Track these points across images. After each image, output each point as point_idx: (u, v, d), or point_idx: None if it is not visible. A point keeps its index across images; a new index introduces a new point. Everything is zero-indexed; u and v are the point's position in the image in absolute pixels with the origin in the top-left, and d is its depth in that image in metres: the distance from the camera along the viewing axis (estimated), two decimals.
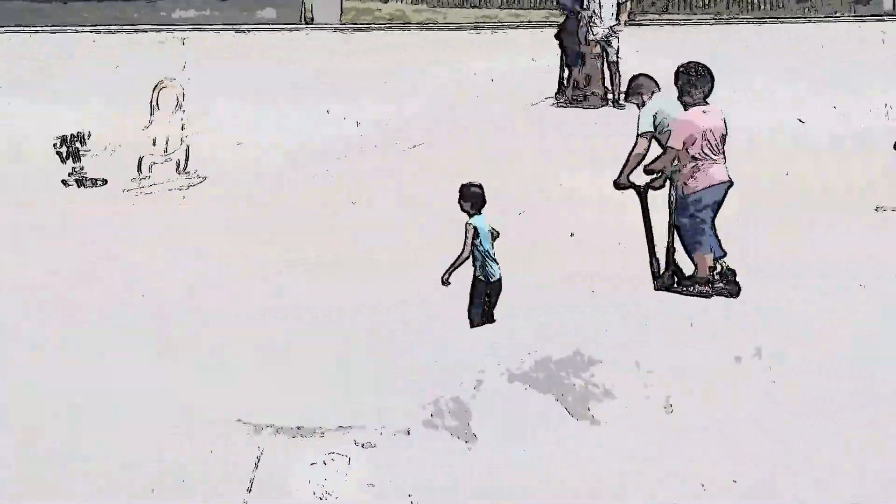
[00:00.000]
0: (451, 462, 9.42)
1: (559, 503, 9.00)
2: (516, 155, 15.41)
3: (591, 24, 18.09)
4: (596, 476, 9.27)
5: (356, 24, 21.71)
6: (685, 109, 10.91)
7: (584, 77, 17.98)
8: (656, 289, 11.29)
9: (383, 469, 9.39)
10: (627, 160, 10.81)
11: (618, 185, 11.09)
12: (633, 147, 10.96)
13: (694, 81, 10.51)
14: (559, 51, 18.48)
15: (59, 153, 14.62)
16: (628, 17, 18.06)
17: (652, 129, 11.04)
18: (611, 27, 17.88)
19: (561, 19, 18.25)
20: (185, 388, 10.71)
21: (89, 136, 14.70)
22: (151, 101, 15.21)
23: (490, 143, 16.10)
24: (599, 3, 17.00)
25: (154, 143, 14.99)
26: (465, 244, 10.37)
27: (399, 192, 14.87)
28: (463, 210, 10.38)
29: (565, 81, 18.24)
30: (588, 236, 12.61)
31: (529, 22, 21.88)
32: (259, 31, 20.52)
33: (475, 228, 10.39)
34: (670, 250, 11.26)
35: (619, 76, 17.58)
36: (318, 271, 13.02)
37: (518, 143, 15.85)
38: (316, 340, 11.28)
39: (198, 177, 14.82)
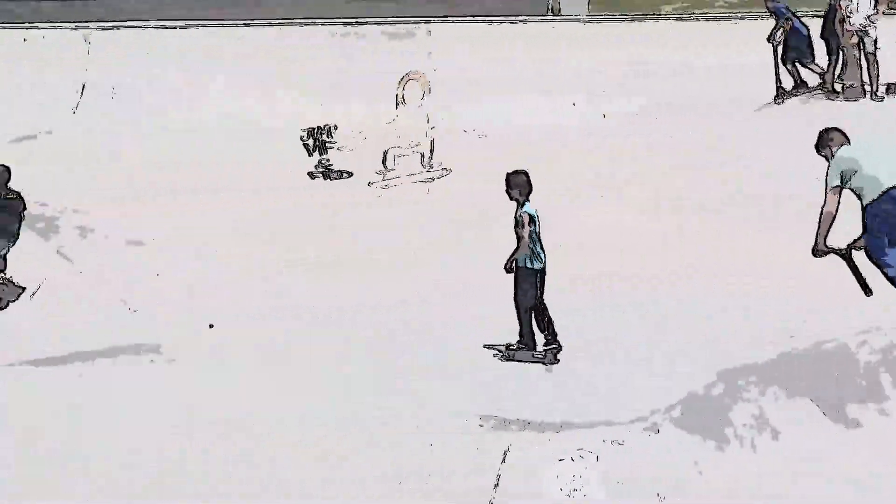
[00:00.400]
0: (701, 461, 9.23)
1: None
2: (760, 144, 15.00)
3: (849, 14, 17.37)
4: (854, 480, 8.85)
5: (604, 14, 21.46)
6: None
7: (839, 68, 17.52)
8: None
9: (631, 466, 9.28)
10: (819, 223, 10.37)
11: (817, 253, 10.61)
12: (823, 205, 10.48)
13: None
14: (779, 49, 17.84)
15: (305, 145, 14.83)
16: (887, 6, 17.29)
17: (839, 183, 10.54)
18: (868, 17, 17.16)
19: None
20: (431, 384, 10.55)
21: (336, 128, 14.93)
22: (397, 94, 15.39)
23: (728, 133, 15.63)
24: None
25: (399, 136, 15.11)
26: (523, 232, 10.41)
27: (650, 185, 14.49)
28: (511, 198, 10.47)
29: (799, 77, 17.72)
30: None
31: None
32: (504, 23, 20.15)
33: (530, 216, 10.49)
34: None
35: (878, 67, 17.11)
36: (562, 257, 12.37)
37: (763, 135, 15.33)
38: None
39: (442, 170, 14.82)
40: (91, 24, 18.57)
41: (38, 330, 11.76)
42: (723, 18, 21.08)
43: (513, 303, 10.59)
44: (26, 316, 11.92)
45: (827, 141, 10.67)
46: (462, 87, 16.40)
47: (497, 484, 9.15)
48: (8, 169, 14.14)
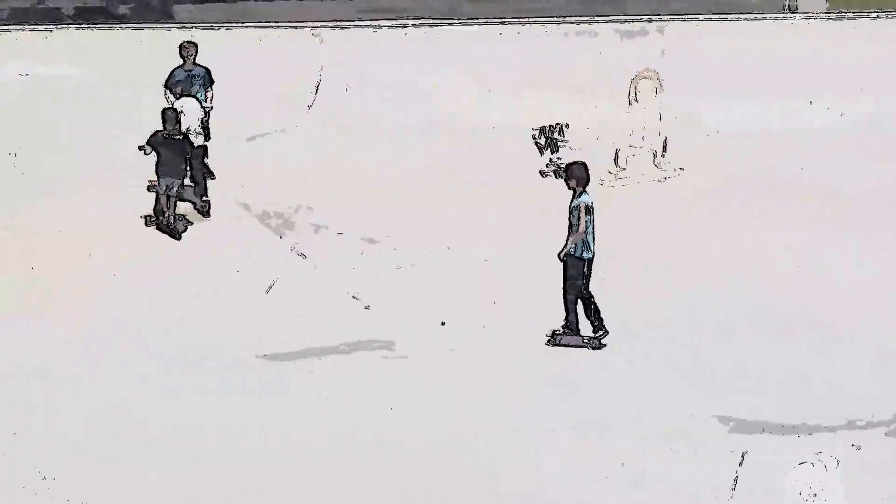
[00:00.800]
0: None
1: None
2: None
3: None
4: None
5: (846, 11, 20.85)
6: None
7: None
8: None
9: (872, 471, 9.23)
10: None
11: None
12: None
13: None
14: None
15: (537, 143, 14.93)
16: None
17: None
18: None
19: None
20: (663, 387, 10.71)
21: (567, 126, 14.92)
22: (630, 92, 15.37)
23: None
24: None
25: (631, 135, 15.12)
26: (579, 221, 10.83)
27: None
28: (570, 188, 10.96)
29: None
30: None
31: None
32: (739, 19, 20.00)
33: (586, 206, 10.93)
34: None
35: None
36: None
37: None
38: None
39: (675, 168, 14.75)
40: (325, 23, 19.35)
41: (271, 325, 12.16)
42: None
43: (561, 290, 11.00)
44: (261, 311, 12.40)
45: None
46: (695, 84, 16.22)
47: (734, 486, 9.14)
48: (175, 110, 14.82)
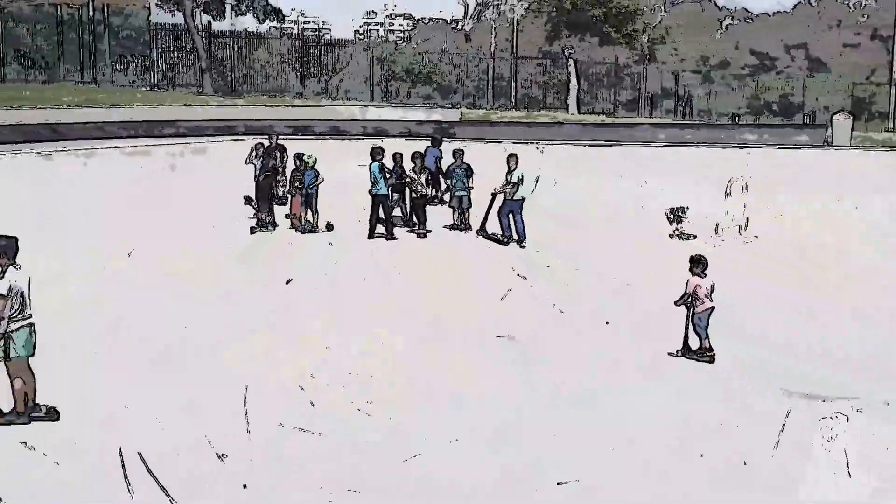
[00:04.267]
0: None
1: None
2: None
3: None
4: None
5: (863, 145, 25.81)
6: None
7: None
8: None
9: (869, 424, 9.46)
10: None
11: None
12: None
13: None
14: None
15: (668, 217, 19.24)
16: None
17: None
18: None
19: None
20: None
21: (688, 208, 19.30)
22: (727, 189, 19.88)
23: None
24: None
25: (726, 214, 19.28)
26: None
27: None
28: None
29: None
30: None
31: None
32: (797, 149, 24.16)
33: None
34: None
35: None
36: None
37: None
38: None
39: (753, 238, 18.77)
40: None
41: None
42: None
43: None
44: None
45: None
46: (768, 186, 20.27)
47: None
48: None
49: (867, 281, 15.91)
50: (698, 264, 11.71)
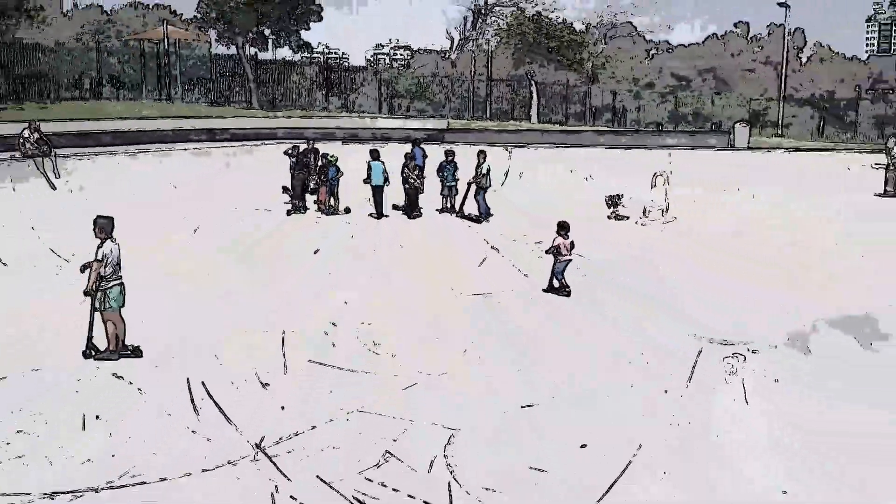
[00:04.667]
0: None
1: None
2: None
3: None
4: None
5: (758, 148, 25.75)
6: None
7: None
8: None
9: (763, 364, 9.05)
10: None
11: None
12: None
13: None
14: None
15: (607, 202, 18.94)
16: None
17: None
18: None
19: None
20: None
21: (623, 195, 19.08)
22: (652, 180, 19.80)
23: None
24: None
25: (652, 200, 19.18)
26: None
27: None
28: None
29: None
30: None
31: None
32: (707, 150, 24.00)
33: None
34: None
35: None
36: None
37: None
38: None
39: (673, 219, 18.62)
40: None
41: None
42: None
43: None
44: None
45: None
46: (683, 179, 19.79)
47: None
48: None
49: (760, 248, 15.73)
50: (563, 228, 11.85)
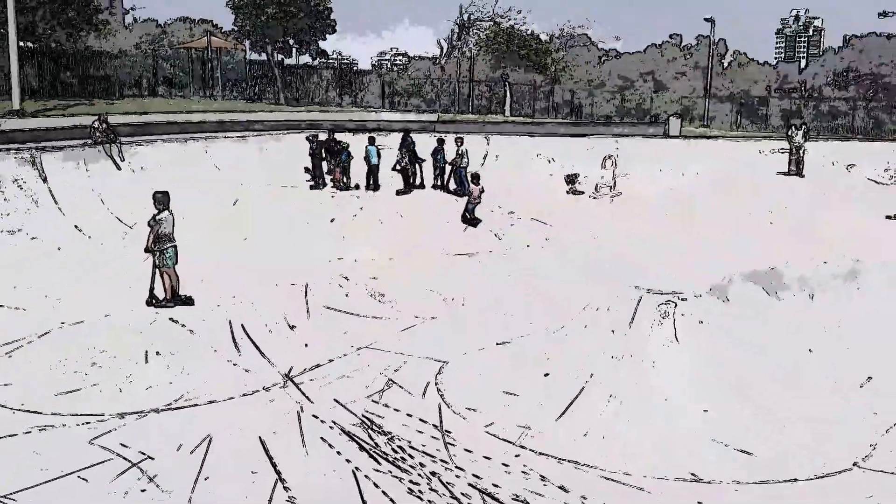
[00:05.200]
0: None
1: None
2: None
3: None
4: None
5: (688, 136, 25.47)
6: None
7: None
8: None
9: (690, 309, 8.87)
10: None
11: None
12: None
13: None
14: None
15: (566, 180, 18.08)
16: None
17: None
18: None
19: None
20: None
21: (579, 174, 18.36)
22: (602, 163, 19.19)
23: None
24: None
25: (602, 178, 18.60)
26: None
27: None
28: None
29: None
30: None
31: None
32: (647, 138, 23.52)
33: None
34: None
35: None
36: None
37: None
38: None
39: (619, 194, 18.02)
40: None
41: None
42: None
43: None
44: None
45: None
46: (629, 161, 18.90)
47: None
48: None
49: (688, 215, 15.46)
50: (476, 178, 13.60)
